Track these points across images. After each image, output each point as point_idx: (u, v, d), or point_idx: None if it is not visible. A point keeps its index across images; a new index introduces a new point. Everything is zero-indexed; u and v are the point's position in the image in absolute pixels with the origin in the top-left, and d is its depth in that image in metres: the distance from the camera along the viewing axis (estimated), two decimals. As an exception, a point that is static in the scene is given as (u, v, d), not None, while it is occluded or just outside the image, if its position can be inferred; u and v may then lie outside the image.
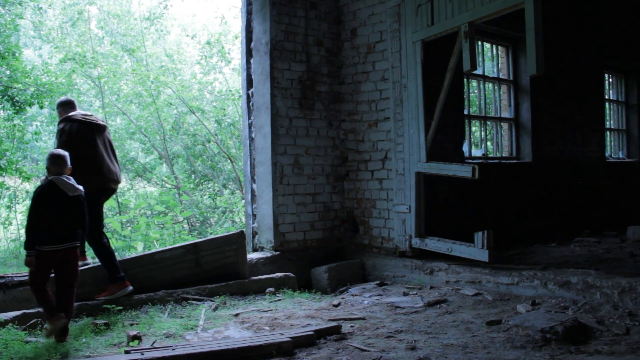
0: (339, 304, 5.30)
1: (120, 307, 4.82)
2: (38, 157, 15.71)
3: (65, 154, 4.29)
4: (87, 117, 5.08)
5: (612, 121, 10.47)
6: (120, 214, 10.89)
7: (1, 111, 11.38)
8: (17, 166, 9.92)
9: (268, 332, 4.33)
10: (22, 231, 10.31)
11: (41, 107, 10.67)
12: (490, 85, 8.35)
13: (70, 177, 4.25)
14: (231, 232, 5.97)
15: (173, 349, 3.70)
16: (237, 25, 20.34)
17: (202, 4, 33.07)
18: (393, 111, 6.47)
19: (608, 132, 10.28)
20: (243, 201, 9.72)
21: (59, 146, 4.80)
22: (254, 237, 6.79)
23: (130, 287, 4.99)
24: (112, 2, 17.17)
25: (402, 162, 6.37)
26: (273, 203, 6.50)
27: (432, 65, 6.27)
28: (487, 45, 8.46)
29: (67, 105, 5.17)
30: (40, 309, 4.32)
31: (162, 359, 3.53)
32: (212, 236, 6.43)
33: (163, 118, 13.45)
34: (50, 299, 4.13)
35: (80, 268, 4.95)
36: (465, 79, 7.55)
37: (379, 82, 6.69)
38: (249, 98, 6.80)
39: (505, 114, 8.32)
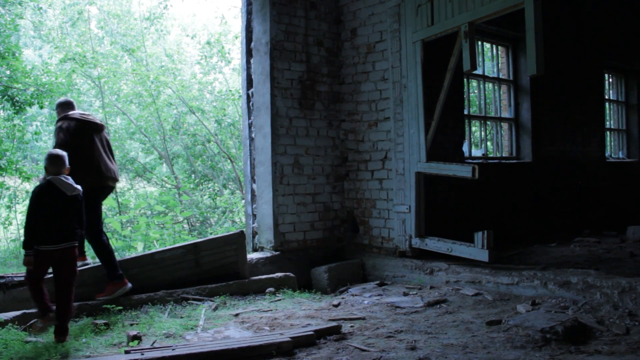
0: (339, 304, 5.30)
1: (120, 307, 4.82)
2: (38, 157, 15.71)
3: (64, 154, 4.30)
4: (85, 116, 5.11)
5: (612, 121, 10.47)
6: (120, 214, 10.88)
7: (1, 111, 11.38)
8: (17, 166, 9.92)
9: (268, 332, 4.33)
10: (22, 231, 10.31)
11: (41, 107, 10.67)
12: (490, 85, 8.35)
13: (69, 177, 4.25)
14: (231, 232, 5.97)
15: (173, 349, 3.70)
16: (237, 25, 20.35)
17: (202, 4, 33.08)
18: (393, 111, 6.47)
19: (608, 132, 10.28)
20: (243, 201, 9.72)
21: (57, 143, 4.82)
22: (254, 237, 6.79)
23: (129, 285, 4.99)
24: (112, 2, 17.18)
25: (402, 162, 6.37)
26: (273, 203, 6.50)
27: (432, 65, 6.27)
28: (487, 45, 8.46)
29: (66, 106, 5.18)
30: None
31: (162, 359, 3.53)
32: (212, 236, 6.43)
33: (163, 118, 13.46)
34: (45, 297, 4.16)
35: (81, 268, 4.96)
36: (465, 79, 7.55)
37: (379, 82, 6.69)
38: (249, 98, 6.80)
39: (505, 114, 8.32)
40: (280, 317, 4.80)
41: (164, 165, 14.94)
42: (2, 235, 11.38)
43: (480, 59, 7.87)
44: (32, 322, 4.30)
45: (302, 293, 5.90)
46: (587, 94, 9.24)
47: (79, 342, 4.08)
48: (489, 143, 9.61)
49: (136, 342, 4.05)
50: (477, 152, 8.26)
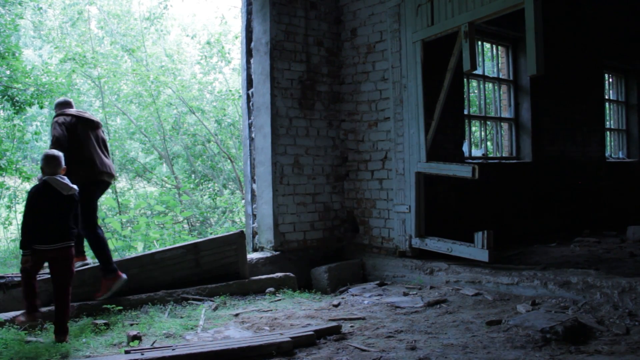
0: (339, 304, 5.30)
1: (120, 307, 4.82)
2: (38, 157, 15.66)
3: (60, 154, 4.31)
4: (81, 113, 5.16)
5: (612, 121, 10.46)
6: (120, 214, 10.88)
7: (1, 111, 11.38)
8: (17, 166, 9.92)
9: (268, 332, 4.33)
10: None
11: (41, 107, 10.67)
12: (490, 85, 8.35)
13: (65, 177, 4.26)
14: (231, 232, 5.97)
15: (173, 349, 3.70)
16: (237, 25, 20.35)
17: (202, 4, 33.09)
18: (393, 111, 6.47)
19: (608, 132, 10.28)
20: (243, 201, 9.72)
21: (53, 137, 4.84)
22: (254, 237, 6.79)
23: (124, 276, 4.94)
24: (112, 2, 17.18)
25: (402, 162, 6.37)
26: (273, 203, 6.50)
27: (432, 65, 6.27)
28: (487, 45, 8.46)
29: (64, 105, 5.21)
30: (41, 309, 4.34)
31: (162, 359, 3.53)
32: (212, 236, 6.43)
33: (163, 118, 13.45)
34: (35, 296, 4.22)
35: (81, 268, 4.97)
36: (465, 79, 7.55)
37: (379, 82, 6.69)
38: (249, 98, 6.80)
39: (505, 114, 8.32)
40: (280, 317, 4.80)
41: (164, 165, 14.94)
42: (2, 235, 11.38)
43: (480, 59, 7.87)
44: (17, 314, 4.33)
45: (302, 293, 5.90)
46: (587, 94, 9.24)
47: (79, 342, 4.08)
48: (489, 143, 9.61)
49: (136, 342, 4.05)
50: (477, 152, 8.26)
